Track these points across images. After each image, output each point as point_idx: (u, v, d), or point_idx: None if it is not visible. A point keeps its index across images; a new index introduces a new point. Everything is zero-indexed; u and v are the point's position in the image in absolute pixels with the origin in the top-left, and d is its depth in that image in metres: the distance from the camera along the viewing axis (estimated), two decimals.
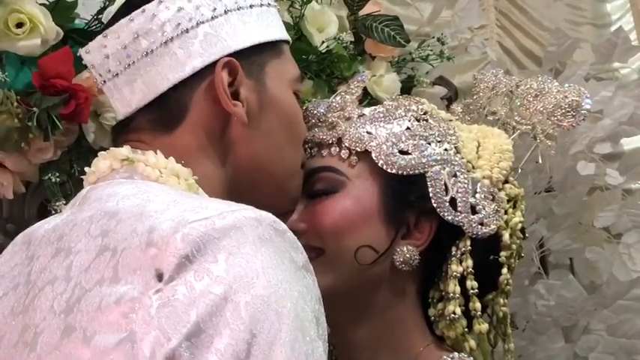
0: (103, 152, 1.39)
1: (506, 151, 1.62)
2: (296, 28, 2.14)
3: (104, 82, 1.45)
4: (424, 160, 1.55)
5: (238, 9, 1.43)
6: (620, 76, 3.33)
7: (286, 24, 2.11)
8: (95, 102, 1.82)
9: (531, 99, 1.74)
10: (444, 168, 1.56)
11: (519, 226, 1.61)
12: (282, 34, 1.53)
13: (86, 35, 1.85)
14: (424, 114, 1.61)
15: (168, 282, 1.04)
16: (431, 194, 1.54)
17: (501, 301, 1.61)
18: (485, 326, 1.56)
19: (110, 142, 1.82)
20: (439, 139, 1.58)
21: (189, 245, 1.06)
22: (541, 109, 1.72)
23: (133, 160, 1.34)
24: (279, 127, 1.46)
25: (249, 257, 1.07)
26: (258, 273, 1.06)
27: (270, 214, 1.15)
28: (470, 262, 1.54)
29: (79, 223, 1.21)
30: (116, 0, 1.84)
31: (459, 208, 1.54)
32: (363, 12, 2.24)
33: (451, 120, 1.66)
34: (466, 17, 2.82)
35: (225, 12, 1.42)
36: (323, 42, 2.14)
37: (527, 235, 1.74)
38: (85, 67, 1.77)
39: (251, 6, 1.45)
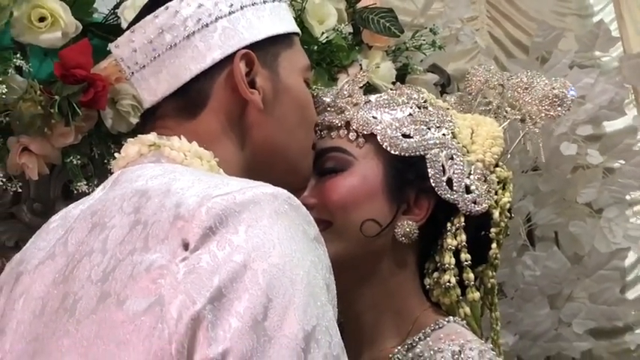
0: (131, 139, 1.40)
1: (497, 138, 1.63)
2: (298, 20, 2.13)
3: (132, 73, 1.45)
4: (424, 144, 1.56)
5: (253, 4, 1.44)
6: (601, 64, 3.33)
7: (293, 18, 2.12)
8: (112, 90, 1.81)
9: (521, 91, 1.75)
10: (442, 151, 1.57)
11: (508, 205, 1.63)
12: (293, 27, 1.53)
13: (103, 28, 1.86)
14: (424, 102, 1.63)
15: (193, 251, 1.07)
16: (430, 174, 1.55)
17: (490, 273, 1.63)
18: (477, 294, 1.57)
19: (126, 126, 1.85)
20: (438, 125, 1.59)
21: (212, 218, 1.09)
22: (530, 100, 1.73)
23: (160, 145, 1.36)
24: (291, 111, 1.47)
25: (266, 229, 1.10)
26: (275, 243, 1.09)
27: (285, 191, 1.18)
28: (464, 237, 1.55)
29: (112, 201, 1.24)
30: None
31: (455, 188, 1.55)
32: (360, 5, 2.23)
33: (448, 108, 1.67)
34: (456, 8, 2.81)
35: (241, 7, 1.43)
36: (323, 33, 2.13)
37: (513, 214, 1.73)
38: (102, 58, 1.78)
39: (264, 2, 1.46)
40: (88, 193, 1.85)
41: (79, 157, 1.84)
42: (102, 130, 1.85)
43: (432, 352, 1.48)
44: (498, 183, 1.61)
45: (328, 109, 1.64)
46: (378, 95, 1.66)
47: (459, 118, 1.65)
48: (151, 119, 1.45)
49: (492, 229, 1.60)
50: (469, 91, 1.84)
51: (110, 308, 1.10)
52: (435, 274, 1.57)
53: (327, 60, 2.16)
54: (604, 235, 2.96)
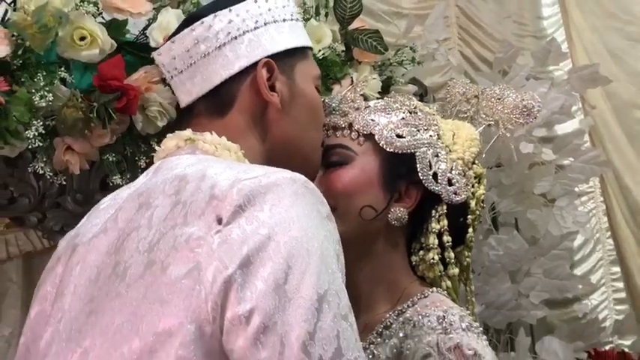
0: (170, 134, 1.46)
1: (474, 140, 1.66)
2: None
3: (171, 77, 1.51)
4: (415, 143, 1.59)
5: (274, 22, 1.49)
6: (553, 76, 3.33)
7: None
8: (142, 98, 1.78)
9: (494, 101, 1.78)
10: (429, 149, 1.60)
11: (482, 197, 1.66)
12: (307, 41, 1.57)
13: (135, 46, 1.86)
14: (415, 108, 1.65)
15: (226, 225, 1.12)
16: (418, 169, 1.58)
17: (466, 253, 1.65)
18: (456, 270, 1.60)
19: (154, 129, 1.84)
20: (426, 128, 1.62)
21: (242, 197, 1.14)
22: (502, 109, 1.76)
23: (194, 140, 1.41)
24: (304, 112, 1.50)
25: (287, 208, 1.14)
26: (294, 220, 1.13)
27: (302, 175, 1.22)
28: (445, 222, 1.58)
29: (155, 185, 1.28)
30: (158, 18, 1.83)
31: (439, 181, 1.58)
32: (351, 27, 2.22)
33: (434, 114, 1.68)
34: (433, 31, 2.82)
35: (265, 24, 1.48)
36: (320, 50, 2.11)
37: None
38: (134, 71, 1.78)
39: (284, 20, 1.51)
40: (123, 185, 1.87)
41: (114, 154, 1.84)
42: (133, 132, 1.84)
43: (420, 317, 1.49)
44: (475, 178, 1.64)
45: (334, 112, 1.67)
46: (376, 101, 1.70)
47: (442, 122, 1.67)
48: (187, 117, 1.49)
49: (469, 216, 1.64)
50: (449, 101, 1.88)
51: (155, 273, 1.14)
52: (421, 253, 1.60)
53: (324, 73, 2.14)
54: (556, 221, 2.97)
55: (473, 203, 1.62)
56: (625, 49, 3.80)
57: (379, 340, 1.54)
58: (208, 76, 1.47)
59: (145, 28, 1.86)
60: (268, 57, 1.46)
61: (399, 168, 1.59)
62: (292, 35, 1.52)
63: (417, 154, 1.59)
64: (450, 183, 1.59)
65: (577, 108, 3.49)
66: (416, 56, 2.37)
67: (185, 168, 1.29)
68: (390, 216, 1.58)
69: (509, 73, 2.95)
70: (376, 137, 1.59)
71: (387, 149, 1.59)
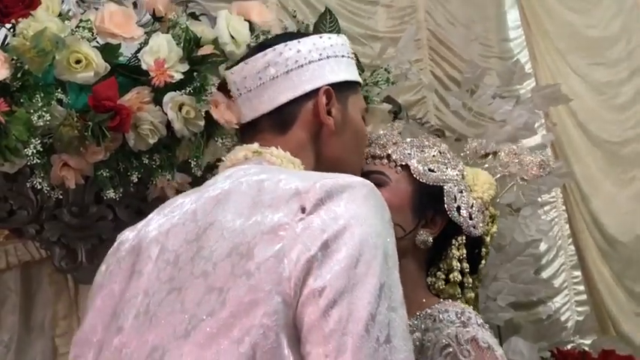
0: (238, 146, 1.57)
1: (492, 184, 1.75)
2: None
3: (240, 94, 1.61)
4: (443, 178, 1.68)
5: (335, 57, 1.60)
6: (518, 95, 3.35)
7: None
8: (134, 117, 1.79)
9: (512, 156, 1.91)
10: (455, 185, 1.68)
11: (494, 235, 1.76)
12: (358, 78, 1.68)
13: (127, 69, 1.86)
14: (444, 149, 1.75)
15: (309, 214, 1.23)
16: (445, 201, 1.66)
17: (477, 283, 1.73)
18: (473, 294, 1.69)
19: (145, 145, 1.85)
20: (453, 167, 1.71)
21: (324, 192, 1.25)
22: (517, 162, 1.90)
23: (261, 152, 1.50)
24: (352, 137, 1.60)
25: (360, 205, 1.26)
26: (365, 217, 1.25)
27: (370, 182, 1.33)
28: (464, 251, 1.66)
29: (233, 186, 1.37)
30: (149, 42, 1.84)
31: (462, 214, 1.66)
32: None
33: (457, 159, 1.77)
34: (405, 53, 2.82)
35: (327, 57, 1.59)
36: None
37: None
38: (126, 92, 1.79)
39: (342, 56, 1.62)
40: (116, 199, 1.90)
41: (107, 170, 1.84)
42: (126, 149, 1.84)
43: (439, 313, 1.56)
44: (490, 217, 1.72)
45: (373, 144, 1.75)
46: (412, 139, 1.77)
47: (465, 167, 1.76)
48: (251, 132, 1.58)
49: (483, 249, 1.71)
50: (464, 156, 2.01)
51: (242, 253, 1.24)
52: (439, 274, 1.66)
53: None
54: (521, 230, 2.99)
55: (487, 239, 1.71)
56: (586, 69, 3.84)
57: None
58: (275, 96, 1.56)
59: (137, 52, 1.86)
60: (328, 85, 1.56)
61: (428, 197, 1.66)
62: (348, 70, 1.62)
63: (445, 187, 1.67)
64: (470, 217, 1.66)
65: (540, 124, 3.52)
66: (390, 76, 2.36)
67: (259, 174, 1.38)
68: (417, 238, 1.64)
69: (476, 91, 2.96)
70: (411, 168, 1.67)
71: (420, 180, 1.66)
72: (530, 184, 3.00)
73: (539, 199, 3.28)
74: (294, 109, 1.57)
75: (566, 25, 3.84)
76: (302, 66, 1.59)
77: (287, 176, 1.36)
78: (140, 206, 2.07)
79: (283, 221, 1.25)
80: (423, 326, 1.57)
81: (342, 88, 1.60)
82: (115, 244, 1.53)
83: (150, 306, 1.35)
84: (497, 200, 1.85)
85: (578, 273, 3.90)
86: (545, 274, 3.70)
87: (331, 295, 1.18)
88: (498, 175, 1.86)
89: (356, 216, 1.25)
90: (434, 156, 1.71)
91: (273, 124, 1.57)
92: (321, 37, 1.64)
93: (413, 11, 3.44)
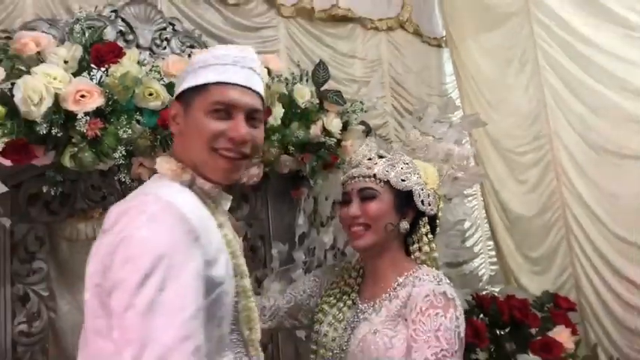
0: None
1: (437, 175, 1.76)
2: (289, 96, 2.13)
3: None
4: (411, 184, 1.68)
5: (190, 70, 1.34)
6: (451, 121, 3.35)
7: (284, 95, 2.10)
8: None
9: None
10: (418, 186, 1.68)
11: (442, 209, 1.77)
12: (208, 79, 1.31)
13: None
14: (407, 161, 1.72)
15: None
16: (415, 200, 1.67)
17: (433, 245, 1.71)
18: (435, 255, 1.68)
19: None
20: (415, 173, 1.70)
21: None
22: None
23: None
24: (194, 134, 1.35)
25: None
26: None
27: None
28: (428, 227, 1.69)
29: None
30: None
31: (425, 204, 1.68)
32: (323, 88, 2.23)
33: (412, 161, 1.75)
34: (374, 91, 2.82)
35: (186, 72, 1.36)
36: (303, 102, 2.13)
37: None
38: None
39: (200, 67, 1.33)
40: None
41: None
42: None
43: (421, 276, 1.58)
44: (439, 199, 1.74)
45: (361, 165, 1.72)
46: (386, 158, 1.73)
47: (417, 163, 1.74)
48: None
49: (437, 221, 1.73)
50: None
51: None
52: (415, 245, 1.67)
53: (305, 117, 2.15)
54: (452, 212, 2.97)
55: (440, 214, 1.73)
56: (499, 100, 3.85)
57: (394, 292, 1.60)
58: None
59: None
60: (175, 98, 1.39)
61: (403, 199, 1.67)
62: (195, 77, 1.32)
63: (413, 190, 1.67)
64: (429, 204, 1.68)
65: (466, 140, 3.52)
66: (363, 107, 2.38)
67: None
68: (400, 226, 1.66)
69: (423, 118, 2.96)
70: (391, 182, 1.66)
71: (397, 188, 1.66)
72: (459, 180, 3.01)
73: (465, 192, 3.27)
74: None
75: (484, 74, 3.84)
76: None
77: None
78: None
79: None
80: (410, 285, 1.57)
81: (185, 95, 1.32)
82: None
83: None
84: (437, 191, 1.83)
85: (491, 243, 3.90)
86: (468, 243, 3.71)
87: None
88: (436, 168, 1.83)
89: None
90: (402, 168, 1.69)
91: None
92: (193, 55, 1.38)
93: (379, 63, 3.43)
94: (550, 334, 2.52)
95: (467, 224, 3.67)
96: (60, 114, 1.52)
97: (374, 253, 1.68)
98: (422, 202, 1.67)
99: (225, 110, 1.29)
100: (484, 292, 3.10)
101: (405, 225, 1.66)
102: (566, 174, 3.90)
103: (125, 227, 1.09)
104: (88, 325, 1.11)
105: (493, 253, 3.89)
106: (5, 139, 1.45)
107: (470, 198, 3.84)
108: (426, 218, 1.68)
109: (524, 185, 3.89)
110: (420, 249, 1.67)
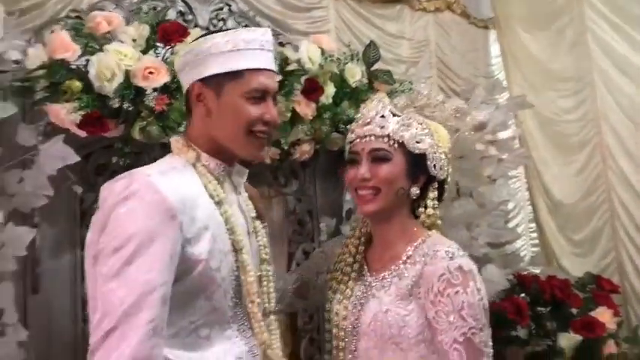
0: None
1: (448, 138, 1.64)
2: (340, 76, 2.17)
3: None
4: (426, 147, 1.55)
5: (213, 54, 1.32)
6: (497, 102, 3.34)
7: (336, 75, 2.14)
8: None
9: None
10: (432, 149, 1.56)
11: (450, 172, 1.64)
12: (240, 66, 1.33)
13: None
14: (421, 122, 1.59)
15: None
16: (429, 163, 1.55)
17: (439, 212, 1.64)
18: (439, 221, 1.59)
19: None
20: (429, 135, 1.57)
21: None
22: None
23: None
24: (227, 118, 1.35)
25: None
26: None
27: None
28: (436, 192, 1.58)
29: None
30: None
31: (437, 168, 1.56)
32: (373, 68, 2.27)
33: (426, 121, 1.64)
34: (422, 70, 2.83)
35: (205, 56, 1.32)
36: (354, 82, 2.17)
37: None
38: None
39: (230, 51, 1.33)
40: None
41: None
42: None
43: (433, 252, 1.47)
44: (448, 162, 1.60)
45: (372, 123, 1.57)
46: (399, 118, 1.58)
47: (428, 123, 1.62)
48: None
49: (446, 186, 1.61)
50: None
51: None
52: (421, 210, 1.57)
53: (355, 96, 2.19)
54: (495, 192, 2.98)
55: (449, 179, 1.61)
56: (542, 86, 3.81)
57: (404, 266, 1.51)
58: (183, 84, 1.40)
59: None
60: (199, 80, 1.33)
61: (416, 163, 1.55)
62: (227, 62, 1.31)
63: (427, 154, 1.55)
64: (441, 168, 1.57)
65: (511, 122, 3.50)
66: (412, 87, 2.40)
67: None
68: (410, 192, 1.55)
69: (469, 99, 2.96)
70: (406, 144, 1.54)
71: (412, 151, 1.54)
72: (504, 162, 3.01)
73: (509, 173, 3.26)
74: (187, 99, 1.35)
75: (532, 56, 3.80)
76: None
77: None
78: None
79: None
80: (422, 261, 1.47)
81: (214, 78, 1.30)
82: None
83: None
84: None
85: (533, 225, 3.88)
86: (511, 224, 3.69)
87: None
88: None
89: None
90: (416, 129, 1.56)
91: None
92: (216, 36, 1.30)
93: (427, 43, 3.43)
94: (592, 314, 2.52)
95: (510, 205, 3.65)
96: (130, 89, 1.60)
97: (382, 219, 1.57)
98: (434, 166, 1.56)
99: (261, 96, 1.34)
100: (525, 273, 3.11)
101: (415, 190, 1.55)
102: (613, 157, 3.85)
103: (109, 205, 1.17)
104: (88, 292, 1.20)
105: (535, 235, 3.88)
106: (81, 112, 1.54)
107: (514, 180, 3.83)
108: (436, 183, 1.58)
109: (569, 168, 3.85)
110: (428, 215, 1.57)
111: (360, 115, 1.62)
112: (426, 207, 1.57)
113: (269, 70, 1.36)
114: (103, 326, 1.06)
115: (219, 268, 1.26)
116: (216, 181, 1.33)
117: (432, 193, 1.58)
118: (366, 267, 1.60)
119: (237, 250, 1.31)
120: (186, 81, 1.34)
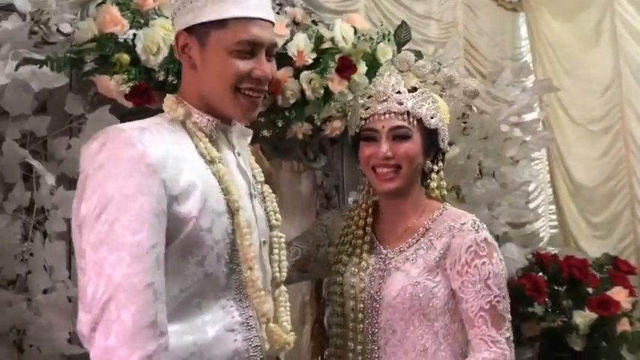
0: None
1: (449, 111, 1.68)
2: (372, 55, 2.20)
3: None
4: (438, 122, 1.58)
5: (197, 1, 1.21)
6: (523, 85, 3.34)
7: (368, 54, 2.16)
8: (282, 86, 1.87)
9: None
10: (441, 123, 1.59)
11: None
12: (223, 15, 1.19)
13: (280, 55, 1.81)
14: (431, 96, 1.61)
15: None
16: (440, 138, 1.60)
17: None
18: (445, 192, 1.64)
19: (288, 103, 1.91)
20: (439, 110, 1.60)
21: None
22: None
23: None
24: (212, 71, 1.23)
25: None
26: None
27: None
28: (442, 164, 1.62)
29: None
30: (293, 38, 1.92)
31: (445, 142, 1.61)
32: (403, 48, 2.29)
33: (434, 94, 1.65)
34: (450, 51, 2.84)
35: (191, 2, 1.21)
36: (385, 61, 2.19)
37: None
38: (278, 70, 1.87)
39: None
40: (267, 137, 1.98)
41: (262, 118, 1.90)
42: (275, 106, 1.92)
43: (459, 224, 1.52)
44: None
45: (390, 99, 1.56)
46: (415, 93, 1.58)
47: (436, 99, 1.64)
48: None
49: (444, 156, 1.66)
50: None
51: None
52: (430, 182, 1.62)
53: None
54: (518, 174, 2.98)
55: (448, 150, 1.68)
56: (573, 67, 3.80)
57: (427, 240, 1.53)
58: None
59: (285, 44, 1.92)
60: (184, 30, 1.22)
61: (430, 139, 1.58)
62: (210, 11, 1.18)
63: (439, 129, 1.59)
64: (445, 142, 1.62)
65: (537, 105, 3.51)
66: (441, 67, 2.40)
67: None
68: (425, 166, 1.60)
69: (496, 81, 2.97)
70: (424, 121, 1.55)
71: (428, 127, 1.56)
72: (527, 144, 3.03)
73: (532, 155, 3.27)
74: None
75: (559, 40, 3.79)
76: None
77: None
78: (277, 144, 2.10)
79: None
80: (450, 234, 1.51)
81: (199, 27, 1.17)
82: None
83: None
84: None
85: (553, 207, 3.92)
86: (531, 205, 3.72)
87: None
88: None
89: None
90: (429, 104, 1.57)
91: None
92: None
93: (454, 24, 3.46)
94: (608, 293, 2.57)
95: (532, 187, 3.68)
96: (174, 63, 1.65)
97: (399, 195, 1.58)
98: (442, 140, 1.59)
99: (251, 49, 1.19)
100: (543, 251, 3.15)
101: (429, 165, 1.58)
102: (636, 142, 3.85)
103: (87, 166, 1.07)
104: (78, 264, 1.07)
105: (554, 216, 3.91)
106: (130, 84, 1.61)
107: (536, 162, 3.85)
108: (441, 155, 1.62)
109: (591, 152, 3.87)
110: (438, 187, 1.60)
111: (372, 89, 1.60)
112: (434, 180, 1.61)
113: (263, 19, 1.19)
114: (98, 297, 0.96)
115: (210, 229, 1.12)
116: (208, 139, 1.20)
117: (437, 166, 1.61)
118: (376, 239, 1.61)
119: (233, 211, 1.16)
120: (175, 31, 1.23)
